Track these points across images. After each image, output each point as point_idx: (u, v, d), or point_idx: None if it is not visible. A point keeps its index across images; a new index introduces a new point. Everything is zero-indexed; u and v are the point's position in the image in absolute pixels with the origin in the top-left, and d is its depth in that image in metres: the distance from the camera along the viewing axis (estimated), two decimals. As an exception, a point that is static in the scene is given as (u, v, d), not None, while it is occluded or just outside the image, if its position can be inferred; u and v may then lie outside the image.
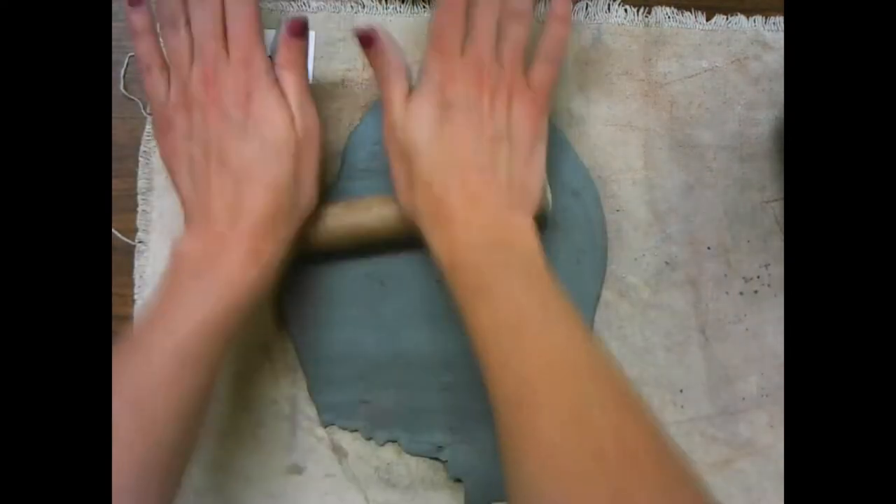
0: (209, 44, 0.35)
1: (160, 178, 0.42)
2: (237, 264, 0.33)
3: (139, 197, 0.42)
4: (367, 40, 0.36)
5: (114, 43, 0.43)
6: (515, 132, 0.35)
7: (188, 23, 0.36)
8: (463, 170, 0.35)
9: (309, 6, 0.43)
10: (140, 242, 0.42)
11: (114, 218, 0.42)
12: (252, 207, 0.34)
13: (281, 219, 0.35)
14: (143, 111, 0.43)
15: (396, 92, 0.36)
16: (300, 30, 0.36)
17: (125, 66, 0.43)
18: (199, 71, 0.35)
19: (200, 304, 0.32)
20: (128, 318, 0.41)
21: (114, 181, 0.42)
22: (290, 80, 0.36)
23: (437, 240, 0.34)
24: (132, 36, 0.37)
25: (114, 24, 0.43)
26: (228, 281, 0.33)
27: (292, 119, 0.35)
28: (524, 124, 0.36)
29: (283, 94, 0.36)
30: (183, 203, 0.36)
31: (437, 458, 0.40)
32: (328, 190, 0.41)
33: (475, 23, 0.36)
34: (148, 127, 0.42)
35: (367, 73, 0.43)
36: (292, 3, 0.43)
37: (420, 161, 0.35)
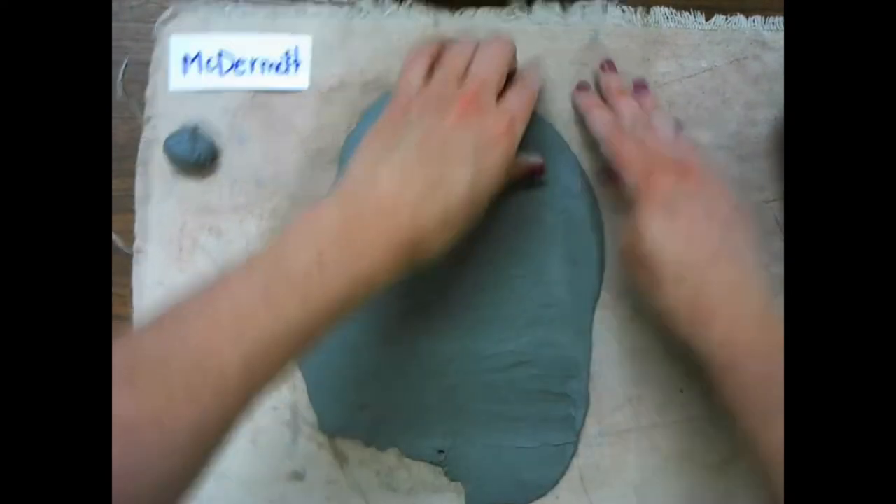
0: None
1: (158, 186, 0.42)
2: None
3: (136, 205, 0.42)
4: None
5: (114, 43, 0.43)
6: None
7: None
8: (711, 260, 0.33)
9: (306, 11, 0.43)
10: (138, 251, 0.42)
11: (113, 218, 0.42)
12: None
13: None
14: (139, 117, 0.43)
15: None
16: None
17: (123, 67, 0.43)
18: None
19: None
20: (126, 318, 0.41)
21: (114, 181, 0.42)
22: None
23: (700, 340, 0.33)
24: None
25: (114, 24, 0.43)
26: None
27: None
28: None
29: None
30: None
31: (436, 464, 0.40)
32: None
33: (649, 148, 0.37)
34: (146, 134, 0.42)
35: (364, 77, 0.43)
36: (289, 7, 0.43)
37: (661, 263, 0.34)
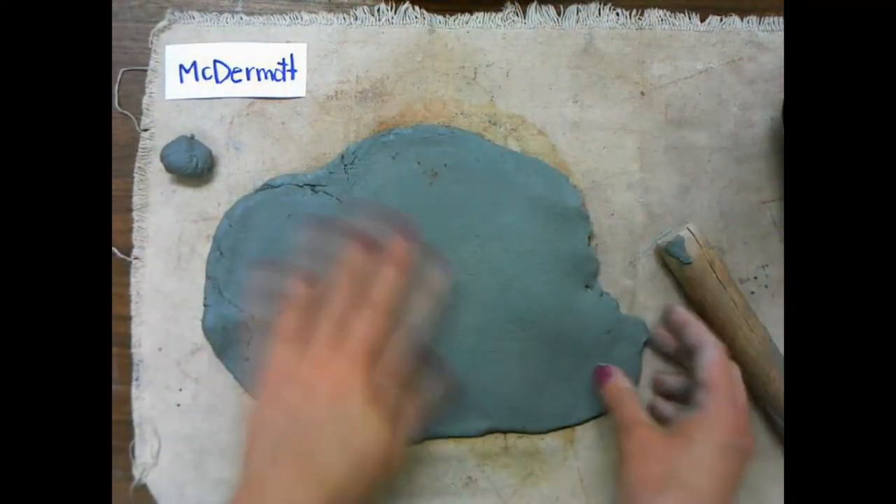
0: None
1: (156, 194, 0.42)
2: None
3: (135, 213, 0.42)
4: (604, 376, 0.39)
5: (114, 43, 0.43)
6: None
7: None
8: None
9: (301, 18, 0.43)
10: (136, 259, 0.42)
11: (113, 217, 0.42)
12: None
13: None
14: (136, 127, 0.43)
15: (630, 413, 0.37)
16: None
17: (118, 80, 0.43)
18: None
19: None
20: (126, 317, 0.42)
21: (113, 181, 0.43)
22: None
23: None
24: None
25: (114, 24, 0.43)
26: None
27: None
28: None
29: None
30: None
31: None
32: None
33: None
34: (143, 143, 0.43)
35: (360, 86, 0.43)
36: (284, 15, 0.43)
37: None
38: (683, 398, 0.39)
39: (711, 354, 0.37)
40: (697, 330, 0.38)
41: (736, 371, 0.37)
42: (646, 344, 0.41)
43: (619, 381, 0.39)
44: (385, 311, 0.35)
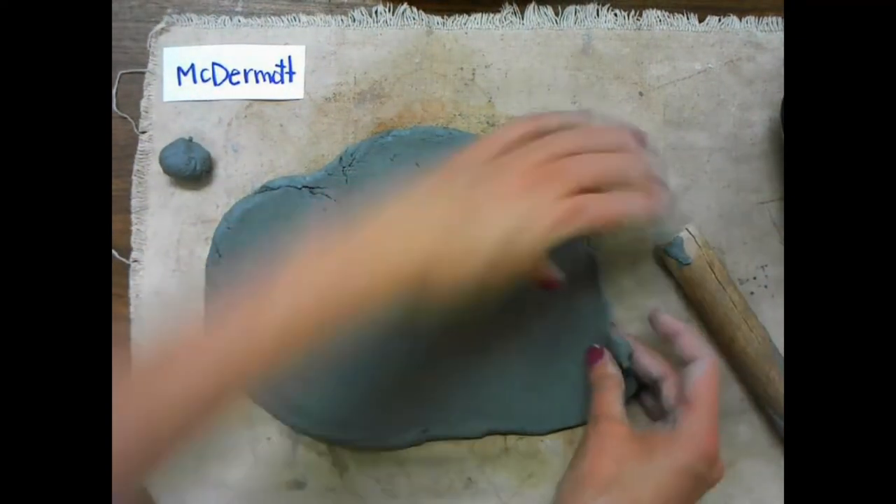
0: None
1: (154, 196, 0.42)
2: None
3: (133, 215, 0.42)
4: (594, 357, 0.39)
5: (114, 43, 0.43)
6: None
7: None
8: None
9: (299, 20, 0.43)
10: (135, 261, 0.42)
11: (112, 217, 0.42)
12: None
13: None
14: (135, 129, 0.43)
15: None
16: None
17: (117, 82, 0.43)
18: None
19: None
20: (125, 318, 0.42)
21: (113, 181, 0.43)
22: None
23: None
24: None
25: (114, 24, 0.44)
26: None
27: None
28: None
29: None
30: None
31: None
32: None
33: None
34: (141, 145, 0.43)
35: (359, 88, 0.43)
36: (282, 17, 0.43)
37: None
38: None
39: (702, 370, 0.35)
40: (691, 342, 0.36)
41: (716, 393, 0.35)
42: (627, 372, 0.39)
43: (606, 366, 0.38)
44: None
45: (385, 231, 0.31)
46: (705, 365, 0.35)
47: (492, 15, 0.43)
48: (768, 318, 0.40)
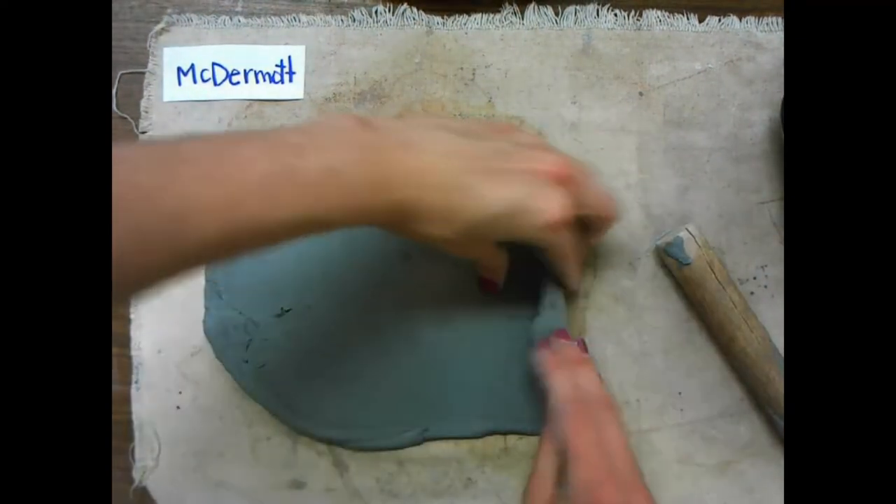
0: None
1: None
2: None
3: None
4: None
5: (114, 43, 0.44)
6: None
7: None
8: None
9: (299, 20, 0.43)
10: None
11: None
12: None
13: None
14: (134, 129, 0.43)
15: None
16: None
17: (117, 82, 0.43)
18: None
19: None
20: (125, 318, 0.42)
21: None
22: None
23: None
24: None
25: (114, 24, 0.44)
26: None
27: None
28: None
29: None
30: None
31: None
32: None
33: None
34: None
35: (359, 88, 0.43)
36: (282, 17, 0.43)
37: None
38: None
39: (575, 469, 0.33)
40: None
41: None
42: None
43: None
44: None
45: (405, 151, 0.31)
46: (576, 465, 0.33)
47: (492, 15, 0.43)
48: (768, 318, 0.40)
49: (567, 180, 0.33)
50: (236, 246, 0.28)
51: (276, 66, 0.43)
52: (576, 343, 0.38)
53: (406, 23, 0.43)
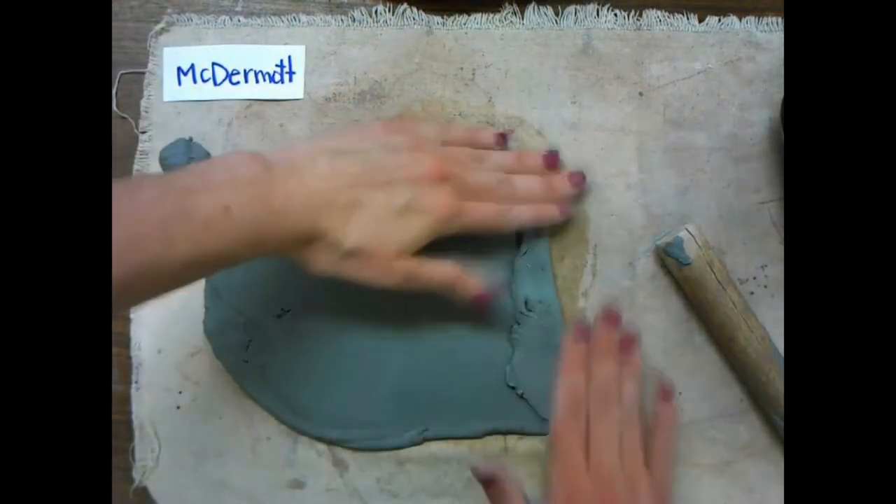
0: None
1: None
2: None
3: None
4: (487, 482, 0.36)
5: (114, 43, 0.44)
6: None
7: None
8: None
9: (299, 20, 0.43)
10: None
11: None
12: None
13: None
14: (134, 129, 0.43)
15: None
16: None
17: (117, 82, 0.43)
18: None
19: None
20: (125, 318, 0.42)
21: (113, 181, 0.42)
22: None
23: None
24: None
25: (114, 24, 0.44)
26: None
27: None
28: None
29: None
30: None
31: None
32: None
33: (597, 434, 0.36)
34: (141, 145, 0.43)
35: (359, 88, 0.43)
36: (282, 17, 0.43)
37: None
38: None
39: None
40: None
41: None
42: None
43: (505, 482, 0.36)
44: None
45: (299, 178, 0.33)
46: None
47: (492, 15, 0.43)
48: (768, 318, 0.40)
49: (447, 176, 0.35)
50: (143, 287, 0.30)
51: (276, 66, 0.43)
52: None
53: (406, 23, 0.43)
